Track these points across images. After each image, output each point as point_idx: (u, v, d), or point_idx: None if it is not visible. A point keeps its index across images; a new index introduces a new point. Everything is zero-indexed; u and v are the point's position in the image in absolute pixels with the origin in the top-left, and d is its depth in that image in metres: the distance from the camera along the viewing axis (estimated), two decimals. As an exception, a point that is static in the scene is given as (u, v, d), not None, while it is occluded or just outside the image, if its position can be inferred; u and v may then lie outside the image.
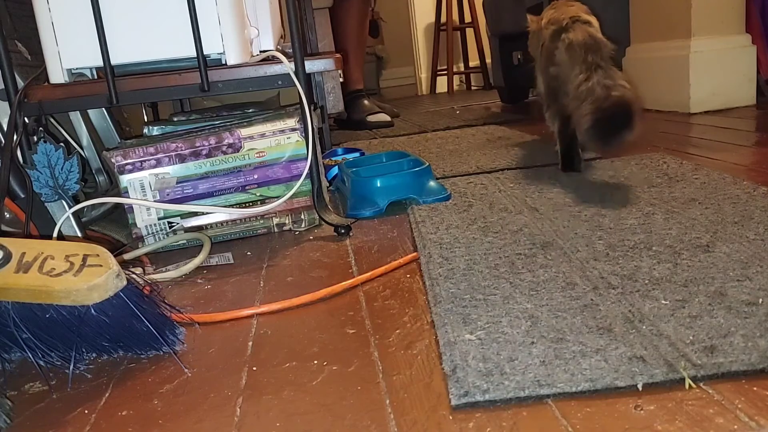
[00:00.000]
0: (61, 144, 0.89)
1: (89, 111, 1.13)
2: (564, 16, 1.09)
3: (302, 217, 1.02)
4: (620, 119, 0.96)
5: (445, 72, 3.87)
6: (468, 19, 3.83)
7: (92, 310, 0.58)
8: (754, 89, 1.76)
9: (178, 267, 0.86)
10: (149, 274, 0.85)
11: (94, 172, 1.12)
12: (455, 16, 3.82)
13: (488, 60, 3.56)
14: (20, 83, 0.91)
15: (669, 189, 0.97)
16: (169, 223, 0.96)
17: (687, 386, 0.46)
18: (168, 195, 0.96)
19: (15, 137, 0.87)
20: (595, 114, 0.95)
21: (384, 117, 2.35)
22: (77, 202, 0.93)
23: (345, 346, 0.59)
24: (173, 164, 0.95)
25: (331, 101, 1.96)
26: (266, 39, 1.06)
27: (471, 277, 0.70)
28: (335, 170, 1.31)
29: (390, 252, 0.85)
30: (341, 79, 1.14)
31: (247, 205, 0.99)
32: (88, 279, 0.56)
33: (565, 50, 1.05)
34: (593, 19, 1.10)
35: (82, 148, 1.11)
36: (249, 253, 0.93)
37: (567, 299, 0.61)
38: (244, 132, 0.97)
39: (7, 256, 0.58)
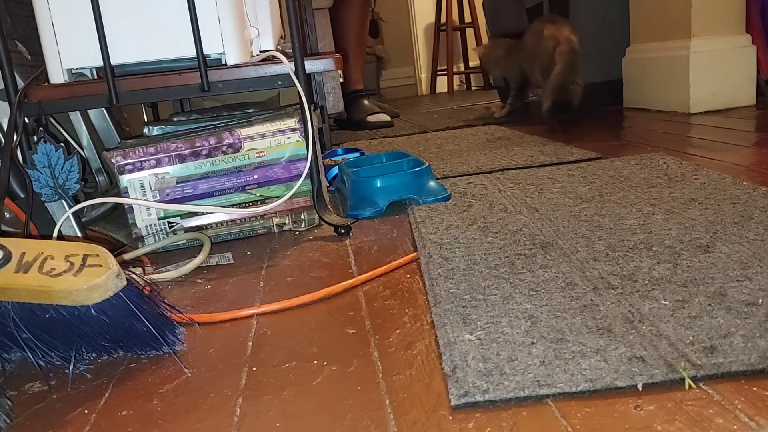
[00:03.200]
0: (61, 144, 0.89)
1: (89, 111, 1.13)
2: (559, 36, 1.73)
3: (302, 217, 1.02)
4: (564, 106, 1.71)
5: (445, 72, 3.87)
6: (468, 19, 3.83)
7: (92, 310, 0.58)
8: (754, 89, 1.76)
9: (178, 267, 0.86)
10: (149, 274, 0.86)
11: (94, 172, 1.12)
12: (455, 16, 3.82)
13: (488, 60, 3.56)
14: (20, 83, 0.91)
15: (669, 189, 0.97)
16: (169, 223, 0.96)
17: (687, 386, 0.46)
18: (168, 195, 0.96)
19: (15, 137, 0.87)
20: (553, 99, 1.72)
21: (384, 117, 2.35)
22: (77, 202, 0.93)
23: (345, 346, 0.59)
24: (173, 164, 0.95)
25: (331, 101, 1.97)
26: (266, 39, 1.06)
27: (471, 278, 0.70)
28: (335, 170, 1.31)
29: (390, 252, 0.85)
30: (341, 79, 1.14)
31: (247, 205, 0.99)
32: (88, 279, 0.56)
33: (558, 55, 1.70)
34: (574, 38, 1.75)
35: (82, 148, 1.11)
36: (249, 253, 0.93)
37: (567, 299, 0.61)
38: (244, 132, 0.97)
39: (7, 256, 0.58)
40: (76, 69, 0.93)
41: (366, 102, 2.38)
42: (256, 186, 0.99)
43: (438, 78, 4.02)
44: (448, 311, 0.62)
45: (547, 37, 1.75)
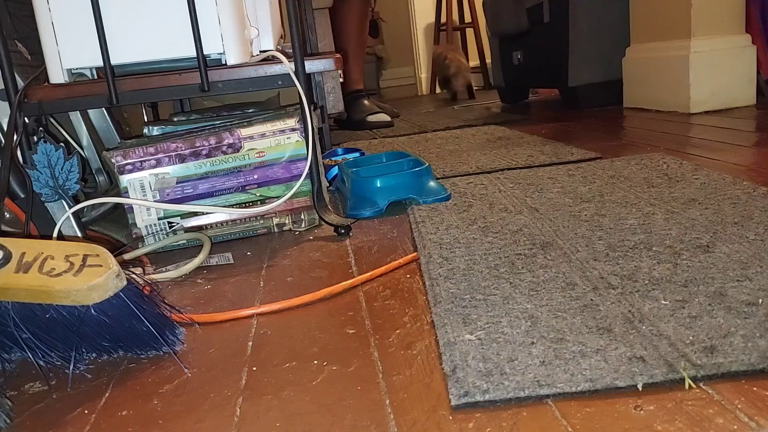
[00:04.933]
0: (61, 144, 0.89)
1: (89, 111, 1.13)
2: (456, 60, 3.16)
3: (302, 217, 1.02)
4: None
5: (445, 72, 3.86)
6: (468, 19, 3.83)
7: (92, 310, 0.58)
8: (754, 89, 1.76)
9: (178, 267, 0.86)
10: (149, 274, 0.86)
11: (94, 172, 1.12)
12: (455, 16, 3.82)
13: (488, 60, 3.57)
14: (20, 83, 0.91)
15: (669, 189, 0.97)
16: (169, 223, 0.96)
17: (687, 386, 0.46)
18: (168, 195, 0.96)
19: (15, 137, 0.88)
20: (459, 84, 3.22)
21: (384, 117, 2.35)
22: (77, 202, 0.93)
23: (345, 346, 0.59)
24: (173, 164, 0.95)
25: (331, 101, 1.97)
26: (266, 39, 1.06)
27: (471, 277, 0.70)
28: (335, 170, 1.31)
29: (390, 252, 0.85)
30: (341, 79, 1.14)
31: (247, 205, 0.99)
32: (88, 279, 0.56)
33: (450, 63, 3.10)
34: (462, 58, 3.24)
35: (82, 148, 1.11)
36: (249, 253, 0.93)
37: (567, 299, 0.61)
38: (244, 132, 0.97)
39: (7, 256, 0.58)
40: (76, 69, 0.93)
41: (366, 102, 2.38)
42: (256, 186, 0.99)
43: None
44: (448, 311, 0.62)
45: (440, 54, 3.30)
